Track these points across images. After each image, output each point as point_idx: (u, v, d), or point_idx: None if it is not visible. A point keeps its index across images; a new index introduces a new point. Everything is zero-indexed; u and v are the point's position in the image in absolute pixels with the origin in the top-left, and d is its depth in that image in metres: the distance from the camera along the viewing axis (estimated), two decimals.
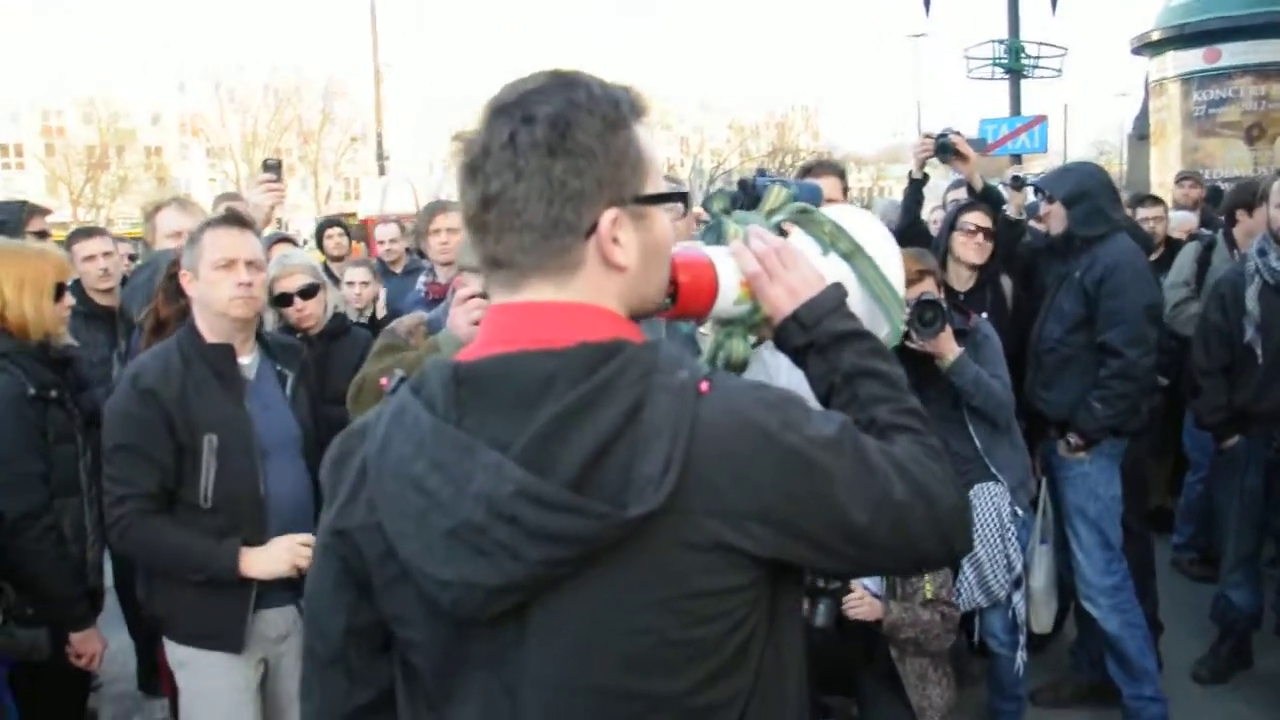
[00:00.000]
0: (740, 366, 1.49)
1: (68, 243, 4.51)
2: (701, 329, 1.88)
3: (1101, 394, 3.91)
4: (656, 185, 1.25)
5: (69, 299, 3.18)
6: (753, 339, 1.50)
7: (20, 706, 3.00)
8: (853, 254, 1.52)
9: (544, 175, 1.16)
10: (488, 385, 1.17)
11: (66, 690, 2.77)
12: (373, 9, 28.38)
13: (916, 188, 4.78)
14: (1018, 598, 3.82)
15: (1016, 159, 9.81)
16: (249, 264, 2.80)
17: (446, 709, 1.23)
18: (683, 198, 1.33)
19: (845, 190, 4.12)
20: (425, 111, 45.31)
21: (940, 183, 6.76)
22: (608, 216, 1.18)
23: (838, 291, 1.42)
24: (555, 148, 1.15)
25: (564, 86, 1.19)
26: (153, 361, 2.77)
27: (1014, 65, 10.13)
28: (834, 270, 1.50)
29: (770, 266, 1.41)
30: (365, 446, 1.24)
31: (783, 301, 1.40)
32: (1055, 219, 4.10)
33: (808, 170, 4.16)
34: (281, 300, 3.88)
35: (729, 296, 1.43)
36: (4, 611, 2.65)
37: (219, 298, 2.77)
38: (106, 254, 4.63)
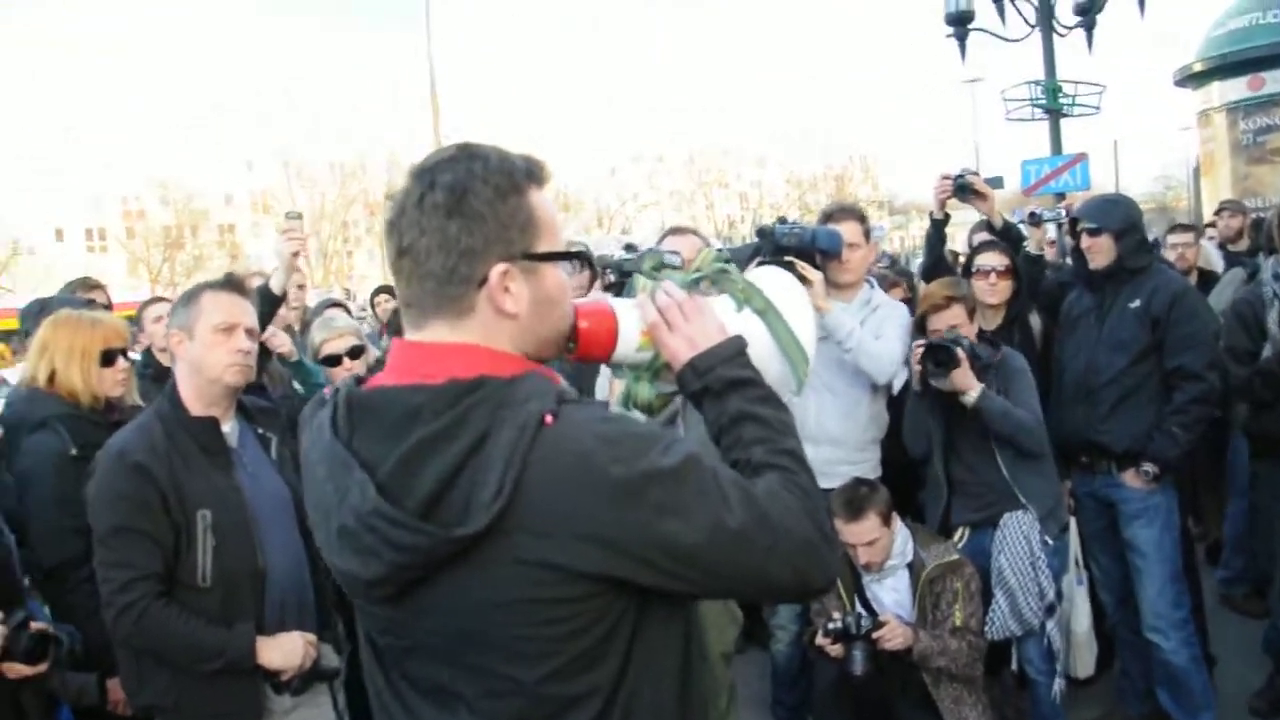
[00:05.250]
0: (645, 408, 1.68)
1: (139, 310, 4.81)
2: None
3: (1182, 420, 3.92)
4: (552, 244, 1.44)
5: (122, 363, 3.35)
6: (660, 384, 1.67)
7: None
8: (765, 311, 1.67)
9: (442, 233, 1.37)
10: (371, 412, 1.40)
11: None
12: (432, 83, 29.17)
13: (938, 228, 4.87)
14: (1051, 625, 3.85)
15: (1060, 198, 9.81)
16: (249, 331, 2.74)
17: (379, 664, 1.51)
18: (576, 256, 1.50)
19: (867, 233, 4.23)
20: None
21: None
22: (497, 270, 1.38)
23: (735, 343, 1.57)
24: (452, 210, 1.37)
25: (467, 158, 1.40)
26: (136, 436, 2.65)
27: (1052, 105, 10.16)
28: (747, 326, 1.65)
29: (671, 318, 1.58)
30: (305, 437, 1.50)
31: (681, 350, 1.56)
32: (1102, 251, 4.06)
33: (829, 216, 4.28)
34: (330, 361, 4.09)
35: (630, 344, 1.61)
36: (55, 657, 2.77)
37: (215, 362, 2.67)
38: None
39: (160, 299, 5.27)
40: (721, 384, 1.52)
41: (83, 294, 4.89)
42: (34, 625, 2.77)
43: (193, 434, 2.68)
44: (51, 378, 3.27)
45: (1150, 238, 4.73)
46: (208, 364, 2.68)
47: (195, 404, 2.72)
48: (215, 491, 2.63)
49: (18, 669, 2.72)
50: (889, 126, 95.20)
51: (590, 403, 1.45)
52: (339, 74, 57.04)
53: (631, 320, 1.60)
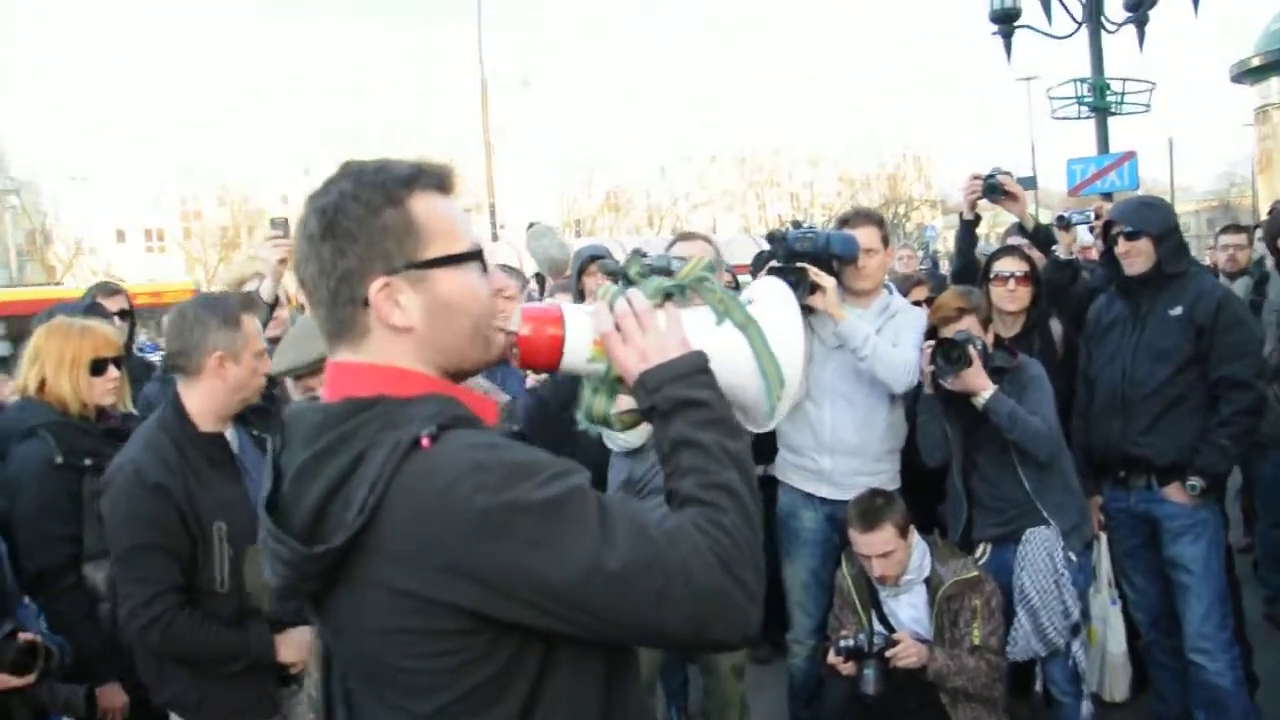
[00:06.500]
0: (603, 421, 1.56)
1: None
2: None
3: (1231, 431, 3.74)
4: (447, 248, 1.37)
5: (112, 371, 3.33)
6: (620, 400, 1.55)
7: None
8: (746, 325, 1.54)
9: (319, 259, 1.35)
10: (292, 428, 1.40)
11: None
12: (483, 83, 29.19)
13: (968, 229, 4.75)
14: (1077, 645, 3.70)
15: (1107, 197, 9.56)
16: None
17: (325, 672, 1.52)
18: (470, 258, 1.40)
19: (885, 239, 4.11)
20: (537, 174, 46.53)
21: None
22: (375, 286, 1.33)
23: (693, 360, 1.44)
24: (324, 235, 1.35)
25: (342, 179, 1.37)
26: (149, 455, 2.71)
27: (1099, 103, 9.90)
28: (725, 341, 1.53)
29: (626, 328, 1.46)
30: None
31: (631, 363, 1.45)
32: (1140, 256, 3.87)
33: (845, 221, 4.17)
34: None
35: (581, 353, 1.51)
36: (41, 669, 2.77)
37: (255, 385, 2.85)
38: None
39: None
40: (669, 404, 1.40)
41: (102, 298, 4.89)
42: (23, 636, 2.76)
43: (202, 449, 2.79)
44: (42, 385, 3.27)
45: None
46: (251, 386, 2.84)
47: (206, 420, 2.81)
48: (226, 503, 2.74)
49: (5, 680, 2.73)
50: (943, 125, 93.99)
51: (485, 430, 1.36)
52: (393, 73, 57.69)
53: (583, 329, 1.50)
